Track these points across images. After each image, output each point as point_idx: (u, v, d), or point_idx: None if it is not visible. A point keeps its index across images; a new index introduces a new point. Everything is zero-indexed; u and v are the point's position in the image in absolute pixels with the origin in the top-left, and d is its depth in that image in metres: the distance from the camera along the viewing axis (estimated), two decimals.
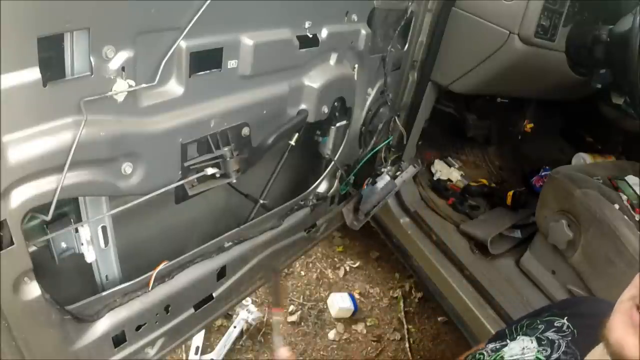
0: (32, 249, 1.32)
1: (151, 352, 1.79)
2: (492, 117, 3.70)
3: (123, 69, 1.20)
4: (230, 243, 1.86)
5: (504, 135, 3.89)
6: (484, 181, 3.63)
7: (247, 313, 3.33)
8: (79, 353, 1.47)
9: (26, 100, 1.06)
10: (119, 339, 1.60)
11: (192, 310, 1.84)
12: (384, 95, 2.36)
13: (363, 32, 2.00)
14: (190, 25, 1.29)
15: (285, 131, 1.78)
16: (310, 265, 4.03)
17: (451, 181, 3.58)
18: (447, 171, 3.61)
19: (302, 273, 3.95)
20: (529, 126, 3.71)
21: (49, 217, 1.18)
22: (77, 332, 1.44)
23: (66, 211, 1.40)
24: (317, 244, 2.73)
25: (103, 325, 1.50)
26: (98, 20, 1.11)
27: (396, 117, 2.47)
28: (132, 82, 1.23)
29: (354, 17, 1.93)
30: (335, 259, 4.12)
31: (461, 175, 3.63)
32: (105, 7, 1.11)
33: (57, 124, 1.13)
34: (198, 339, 3.13)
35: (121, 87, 1.22)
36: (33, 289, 1.24)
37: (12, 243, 1.13)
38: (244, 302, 3.39)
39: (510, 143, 3.99)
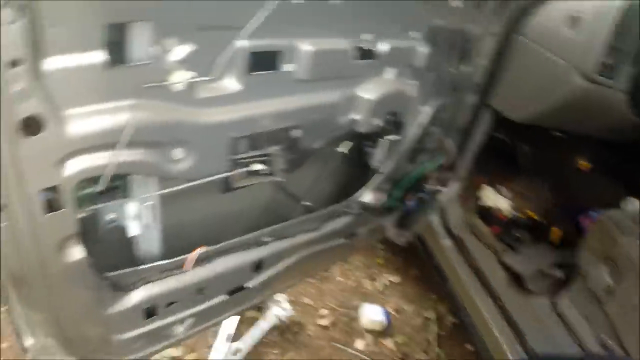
0: (82, 216, 1.42)
1: (179, 329, 1.87)
2: (546, 150, 3.65)
3: (182, 61, 1.30)
4: (269, 238, 1.93)
5: (557, 171, 3.82)
6: (532, 214, 3.58)
7: (280, 310, 3.39)
8: (110, 318, 1.57)
9: (90, 80, 1.17)
10: (150, 312, 1.69)
11: (224, 297, 1.92)
12: (439, 114, 2.38)
13: (422, 49, 2.03)
14: (251, 26, 1.37)
15: (333, 138, 1.83)
16: (349, 272, 4.05)
17: (499, 210, 3.54)
18: (495, 199, 3.57)
19: (340, 279, 3.98)
20: (583, 164, 3.63)
21: (99, 189, 1.27)
22: (112, 299, 1.55)
23: (117, 185, 1.49)
24: (356, 253, 2.76)
25: (137, 297, 1.60)
26: (162, 13, 1.21)
27: (448, 138, 2.47)
28: (190, 74, 1.33)
29: (414, 34, 1.97)
30: (375, 271, 4.13)
31: (510, 205, 3.59)
32: (169, 2, 1.20)
33: (116, 105, 1.24)
34: (229, 326, 3.20)
35: (179, 78, 1.31)
36: (76, 252, 1.34)
37: (62, 207, 1.22)
38: (279, 298, 3.45)
39: (563, 179, 3.92)
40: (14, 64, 1.02)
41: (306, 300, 3.71)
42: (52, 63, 1.10)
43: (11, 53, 1.00)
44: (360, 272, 4.08)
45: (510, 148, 3.48)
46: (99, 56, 1.15)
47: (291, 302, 3.57)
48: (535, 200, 3.85)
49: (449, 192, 2.70)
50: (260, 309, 3.45)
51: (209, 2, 1.29)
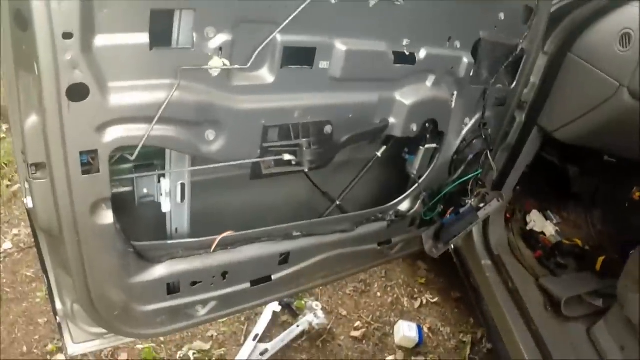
0: (120, 189, 1.56)
1: (201, 311, 1.94)
2: (599, 176, 3.58)
3: (220, 49, 1.39)
4: (298, 233, 1.97)
5: (610, 199, 3.73)
6: (578, 241, 3.50)
7: (313, 317, 3.43)
8: (133, 287, 1.66)
9: (134, 58, 1.28)
10: (173, 288, 1.76)
11: (248, 285, 1.97)
12: (482, 128, 2.38)
13: (465, 60, 2.05)
14: (288, 21, 1.45)
15: (361, 134, 1.87)
16: (389, 288, 4.06)
17: (544, 234, 3.50)
18: (542, 223, 3.53)
19: (379, 294, 3.99)
20: (638, 194, 3.54)
21: (133, 157, 1.38)
22: (137, 268, 1.63)
23: (153, 162, 1.60)
24: (390, 262, 2.77)
25: (161, 270, 1.68)
26: (204, 3, 1.31)
27: (489, 152, 2.47)
28: (227, 62, 1.41)
29: (457, 43, 1.99)
30: (415, 289, 4.12)
31: (555, 231, 3.54)
32: None
33: (156, 83, 1.34)
34: (259, 327, 3.27)
35: (216, 64, 1.40)
36: (107, 216, 1.44)
37: (98, 171, 1.32)
38: (314, 305, 3.49)
39: (616, 208, 3.82)
40: (66, 36, 1.13)
41: (342, 311, 3.73)
42: (102, 39, 1.21)
43: (66, 26, 1.12)
44: (400, 289, 4.08)
45: (560, 171, 3.41)
46: (145, 38, 1.27)
47: (327, 311, 3.61)
48: (584, 227, 3.77)
49: (491, 210, 2.68)
50: (295, 314, 3.50)
51: None
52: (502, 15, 2.11)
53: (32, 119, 1.27)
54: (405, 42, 1.80)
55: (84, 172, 1.32)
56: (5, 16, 1.22)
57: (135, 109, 1.32)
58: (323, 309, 3.56)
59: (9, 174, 4.88)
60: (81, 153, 1.29)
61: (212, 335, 3.32)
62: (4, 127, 5.73)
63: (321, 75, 1.65)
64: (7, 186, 4.70)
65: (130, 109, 1.31)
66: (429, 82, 1.99)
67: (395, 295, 4.02)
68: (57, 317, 1.82)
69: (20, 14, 1.15)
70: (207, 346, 3.24)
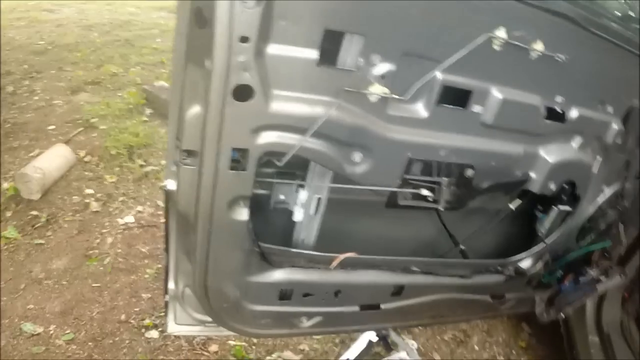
0: (259, 191, 1.63)
1: (305, 323, 1.97)
2: None
3: (382, 77, 1.44)
4: (417, 269, 1.96)
5: None
6: None
7: (406, 355, 3.37)
8: (249, 285, 1.72)
9: (300, 71, 1.35)
10: (285, 295, 1.81)
11: (356, 308, 1.98)
12: (619, 199, 2.28)
13: (615, 126, 1.98)
14: (451, 61, 1.47)
15: (502, 184, 1.84)
16: (487, 344, 3.92)
17: None
18: None
19: (476, 347, 3.87)
20: None
21: (281, 163, 1.44)
22: (257, 268, 1.69)
23: (295, 172, 1.66)
24: (496, 317, 2.69)
25: (279, 275, 1.73)
26: (375, 32, 1.36)
27: (622, 225, 2.35)
28: (387, 90, 1.45)
29: (609, 108, 1.93)
30: (513, 351, 3.96)
31: None
32: (384, 25, 1.35)
33: (316, 98, 1.40)
34: (351, 352, 3.24)
35: (376, 91, 1.44)
36: (243, 213, 1.50)
37: (244, 169, 1.39)
38: (410, 343, 3.44)
39: None
40: (243, 39, 1.20)
41: (436, 356, 3.64)
42: (274, 48, 1.29)
43: (244, 30, 1.20)
44: (499, 347, 3.93)
45: None
46: (314, 54, 1.33)
47: (421, 352, 3.55)
48: None
49: (611, 285, 2.54)
50: (389, 348, 3.46)
51: (418, 31, 1.41)
52: None
53: (195, 110, 1.36)
54: (558, 99, 1.77)
55: (232, 168, 1.39)
56: (184, 12, 1.32)
57: (292, 119, 1.38)
58: (418, 349, 3.50)
59: (145, 154, 5.19)
60: (233, 149, 1.36)
61: (303, 349, 3.35)
62: (148, 111, 6.13)
63: (473, 119, 1.65)
64: (141, 166, 4.99)
65: (288, 118, 1.37)
66: (574, 143, 1.94)
67: (492, 353, 3.88)
68: (167, 296, 1.91)
69: (201, 13, 1.24)
70: (296, 358, 3.27)
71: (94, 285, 3.61)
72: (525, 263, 2.29)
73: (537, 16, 1.52)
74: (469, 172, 1.74)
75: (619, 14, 2.06)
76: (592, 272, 2.43)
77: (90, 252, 3.92)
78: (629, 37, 1.83)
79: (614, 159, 2.14)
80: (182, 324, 1.98)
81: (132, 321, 3.37)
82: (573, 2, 1.59)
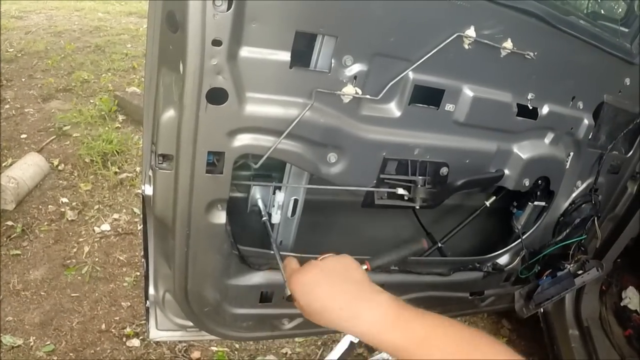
0: (236, 194, 1.63)
1: (287, 325, 1.97)
2: None
3: (355, 77, 1.44)
4: (394, 268, 1.97)
5: None
6: None
7: (388, 355, 3.37)
8: (229, 289, 1.72)
9: (273, 73, 1.35)
10: (266, 297, 1.81)
11: None
12: (592, 193, 2.32)
13: (586, 122, 2.01)
14: (422, 60, 1.48)
15: (476, 180, 1.85)
16: None
17: (637, 313, 3.31)
18: (637, 301, 3.32)
19: None
20: None
21: (257, 165, 1.44)
22: (237, 271, 1.69)
23: (271, 174, 1.66)
24: (476, 314, 2.71)
25: (259, 278, 1.74)
26: (346, 33, 1.37)
27: (596, 218, 2.40)
28: (359, 91, 1.46)
29: (580, 104, 1.96)
30: None
31: None
32: (354, 25, 1.36)
33: (290, 100, 1.40)
34: (333, 354, 3.22)
35: (349, 91, 1.45)
36: (220, 216, 1.50)
37: (221, 172, 1.39)
38: None
39: None
40: (215, 43, 1.20)
41: None
42: (247, 51, 1.29)
43: (217, 34, 1.19)
44: None
45: None
46: (286, 56, 1.33)
47: None
48: None
49: (589, 279, 2.58)
50: (371, 348, 3.46)
51: (389, 32, 1.42)
52: (627, 81, 2.07)
53: (169, 114, 1.35)
54: (530, 95, 1.79)
55: (208, 171, 1.38)
56: (156, 16, 1.31)
57: (267, 121, 1.38)
58: None
59: (119, 161, 5.15)
60: (209, 152, 1.35)
61: (286, 353, 3.35)
62: (120, 117, 6.08)
63: (445, 118, 1.66)
64: (116, 173, 4.95)
65: (262, 120, 1.37)
66: (547, 139, 1.97)
67: None
68: (147, 302, 1.90)
69: (173, 16, 1.24)
70: None
71: (72, 295, 3.59)
72: (503, 259, 2.32)
73: (506, 15, 1.54)
74: (444, 170, 1.75)
75: (587, 11, 2.10)
76: (569, 266, 2.46)
77: (68, 261, 3.88)
78: (596, 33, 1.86)
79: (586, 153, 2.17)
80: (163, 330, 1.97)
81: (112, 330, 3.35)
82: (541, 1, 1.61)
